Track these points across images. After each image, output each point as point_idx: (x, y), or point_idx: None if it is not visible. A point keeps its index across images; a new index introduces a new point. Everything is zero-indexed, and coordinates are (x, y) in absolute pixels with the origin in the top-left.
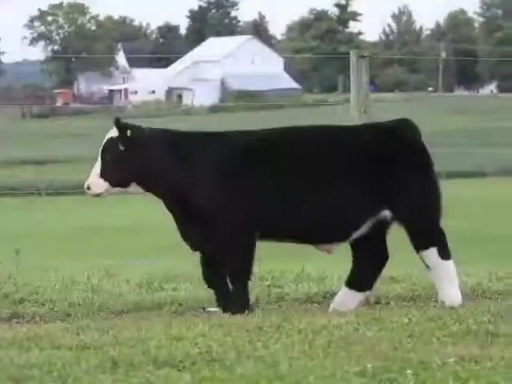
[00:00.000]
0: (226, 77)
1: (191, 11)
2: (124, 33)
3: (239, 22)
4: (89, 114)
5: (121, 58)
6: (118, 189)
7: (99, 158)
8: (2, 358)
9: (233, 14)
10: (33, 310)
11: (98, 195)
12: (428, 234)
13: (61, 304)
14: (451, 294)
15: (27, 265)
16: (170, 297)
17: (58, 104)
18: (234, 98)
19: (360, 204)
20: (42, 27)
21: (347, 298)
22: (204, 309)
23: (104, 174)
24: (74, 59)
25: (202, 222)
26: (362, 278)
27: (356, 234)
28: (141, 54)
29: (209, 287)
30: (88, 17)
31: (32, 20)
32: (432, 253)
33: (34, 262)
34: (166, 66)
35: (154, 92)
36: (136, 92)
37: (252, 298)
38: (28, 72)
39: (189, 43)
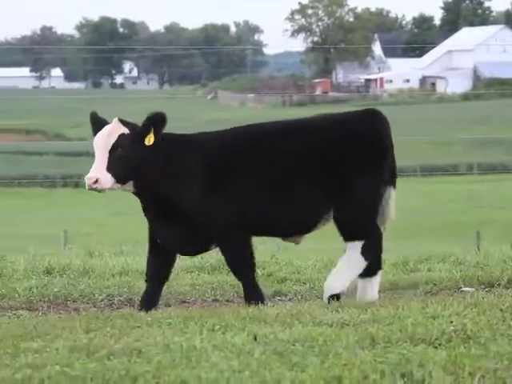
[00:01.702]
0: (478, 65)
1: (445, 3)
2: (380, 24)
3: (492, 12)
4: (345, 102)
5: (377, 48)
6: (117, 185)
7: (106, 152)
8: (268, 333)
9: (486, 4)
10: (294, 289)
11: (101, 191)
12: (358, 228)
13: (321, 283)
14: (338, 283)
15: (288, 245)
16: (424, 277)
17: (317, 93)
18: (486, 86)
19: (318, 197)
20: (303, 20)
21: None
22: (459, 288)
23: (111, 169)
24: (332, 50)
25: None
26: None
27: (321, 225)
28: (396, 45)
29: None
30: (346, 9)
31: (293, 13)
32: (354, 246)
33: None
34: (419, 55)
35: (408, 81)
36: (391, 81)
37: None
38: (289, 63)
39: (442, 33)
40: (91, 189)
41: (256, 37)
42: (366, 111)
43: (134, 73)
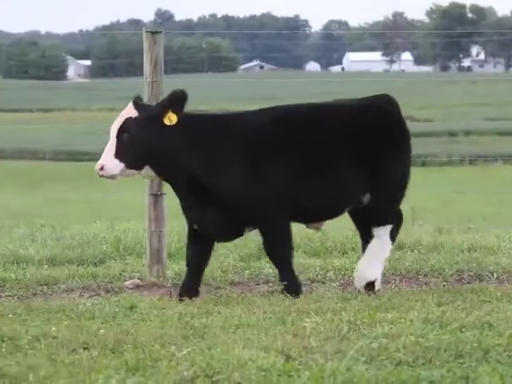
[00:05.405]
0: None
1: None
2: None
3: None
4: None
5: None
6: (132, 171)
7: (114, 138)
8: None
9: None
10: None
11: (110, 177)
12: (389, 213)
13: None
14: (372, 271)
15: None
16: None
17: None
18: None
19: (351, 182)
20: None
21: None
22: None
23: (119, 155)
24: None
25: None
26: None
27: (347, 210)
28: None
29: (187, 265)
30: None
31: None
32: (386, 230)
33: None
34: None
35: None
36: None
37: None
38: None
39: None
40: (100, 176)
41: None
42: (383, 96)
43: (481, 56)
